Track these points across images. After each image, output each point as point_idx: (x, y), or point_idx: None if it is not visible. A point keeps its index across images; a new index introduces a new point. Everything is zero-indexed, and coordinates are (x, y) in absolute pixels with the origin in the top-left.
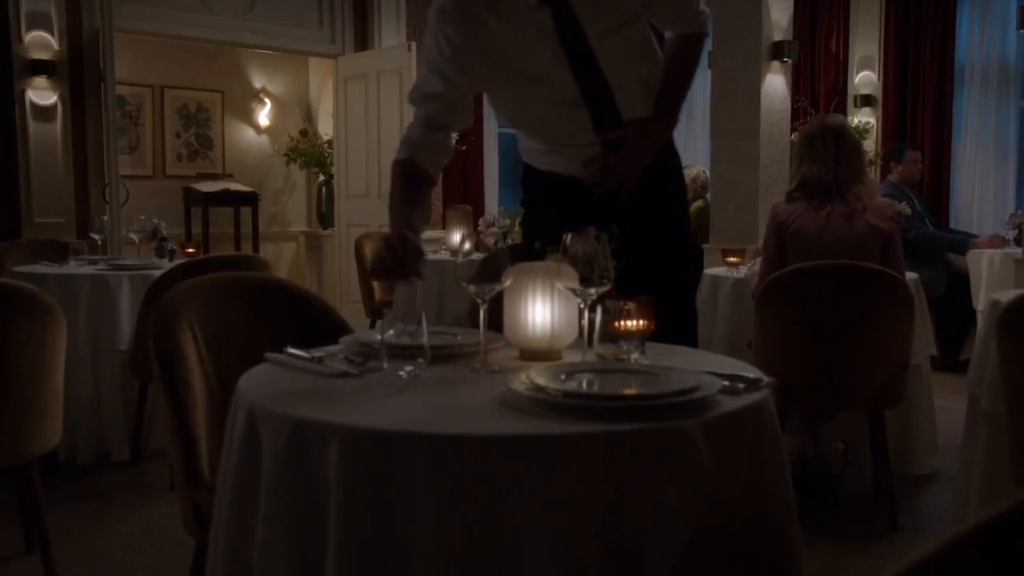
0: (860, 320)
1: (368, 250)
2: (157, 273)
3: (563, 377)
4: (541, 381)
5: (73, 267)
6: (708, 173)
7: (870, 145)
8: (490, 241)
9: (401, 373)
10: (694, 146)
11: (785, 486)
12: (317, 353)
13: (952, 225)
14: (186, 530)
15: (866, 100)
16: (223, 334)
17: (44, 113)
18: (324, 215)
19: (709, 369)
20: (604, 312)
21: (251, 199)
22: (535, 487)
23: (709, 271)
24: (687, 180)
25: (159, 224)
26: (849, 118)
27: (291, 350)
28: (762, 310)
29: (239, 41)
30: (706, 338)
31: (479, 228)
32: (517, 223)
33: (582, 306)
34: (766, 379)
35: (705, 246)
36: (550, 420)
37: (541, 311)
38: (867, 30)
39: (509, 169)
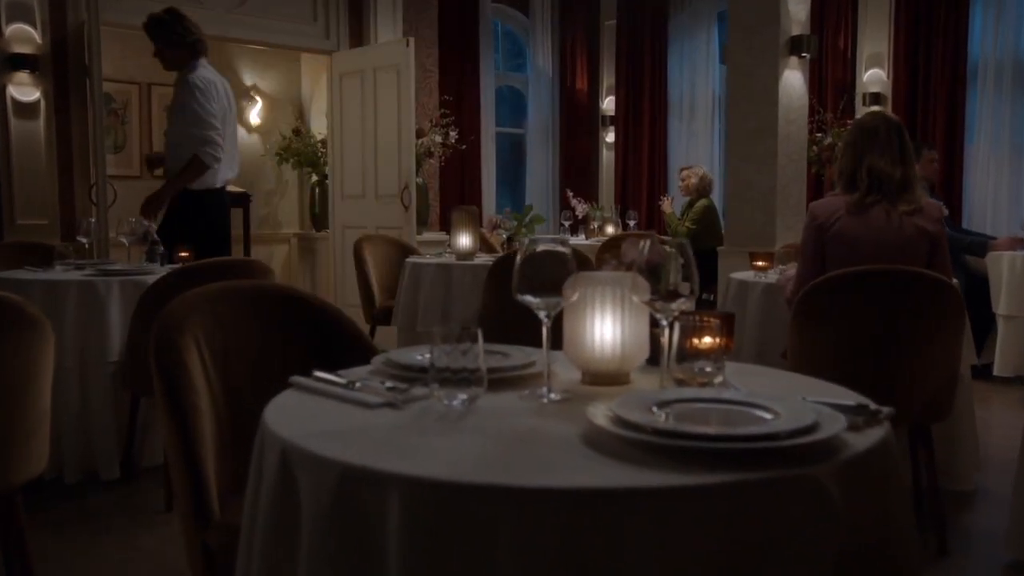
0: (909, 328)
1: (368, 252)
2: (149, 279)
3: (654, 410)
4: (630, 416)
5: (59, 272)
6: (710, 173)
7: None
8: (496, 243)
9: (453, 403)
10: (696, 146)
11: (912, 532)
12: (349, 377)
13: (965, 226)
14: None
15: (875, 98)
16: (232, 350)
17: (27, 110)
18: (317, 216)
19: (803, 394)
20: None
21: (242, 200)
22: (642, 549)
23: (736, 276)
24: (695, 180)
25: (150, 226)
26: (858, 117)
27: (319, 374)
28: (801, 317)
29: (230, 36)
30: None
31: (483, 229)
32: (524, 224)
33: (663, 323)
34: (884, 409)
35: (721, 248)
36: (651, 467)
37: (611, 328)
38: (876, 26)
39: (507, 169)
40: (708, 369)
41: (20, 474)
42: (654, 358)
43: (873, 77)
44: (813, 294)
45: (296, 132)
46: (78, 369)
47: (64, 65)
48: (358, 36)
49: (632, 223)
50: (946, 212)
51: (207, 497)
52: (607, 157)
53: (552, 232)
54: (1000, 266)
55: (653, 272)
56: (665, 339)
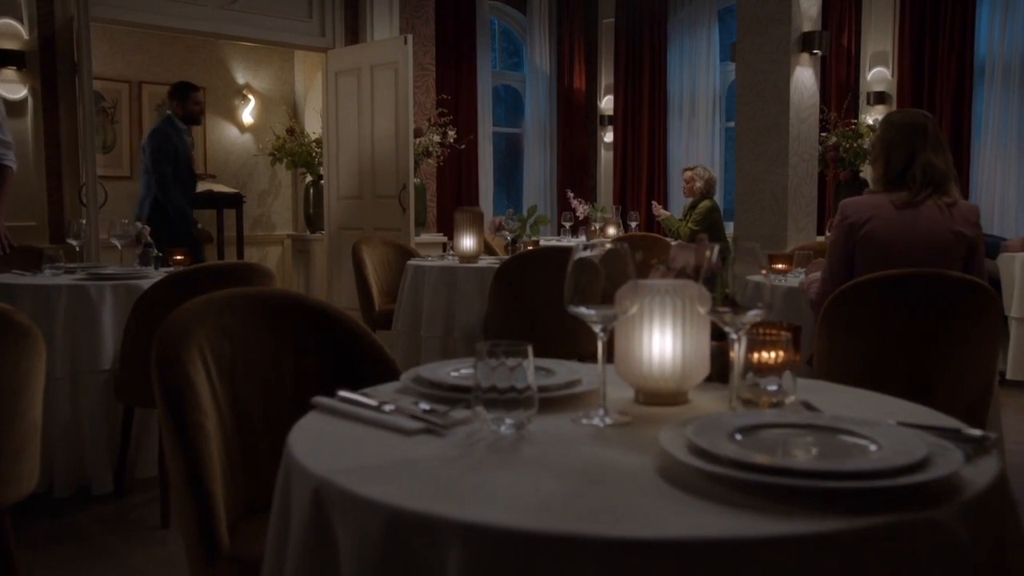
0: (946, 334)
1: (367, 255)
2: (144, 283)
3: (737, 438)
4: (714, 447)
5: (48, 276)
6: (714, 173)
7: None
8: (498, 246)
9: (501, 428)
10: (696, 145)
11: None
12: (377, 397)
13: None
14: None
15: (880, 98)
16: (240, 364)
17: (13, 108)
18: (312, 217)
19: (882, 413)
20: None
21: (235, 201)
22: None
23: (752, 279)
24: (700, 182)
25: (144, 228)
26: (862, 116)
27: (344, 394)
28: (829, 323)
29: (223, 33)
30: None
31: (484, 231)
32: (529, 224)
33: (733, 337)
34: (989, 435)
35: None
36: (748, 509)
37: (671, 342)
38: (881, 25)
39: (502, 169)
40: (776, 387)
41: (9, 494)
42: (712, 375)
43: (877, 76)
44: (844, 298)
45: (290, 132)
46: (69, 378)
47: (52, 62)
48: (354, 33)
49: (634, 224)
50: None
51: (215, 526)
52: (605, 157)
53: (553, 233)
54: (1012, 268)
55: (708, 280)
56: (733, 354)
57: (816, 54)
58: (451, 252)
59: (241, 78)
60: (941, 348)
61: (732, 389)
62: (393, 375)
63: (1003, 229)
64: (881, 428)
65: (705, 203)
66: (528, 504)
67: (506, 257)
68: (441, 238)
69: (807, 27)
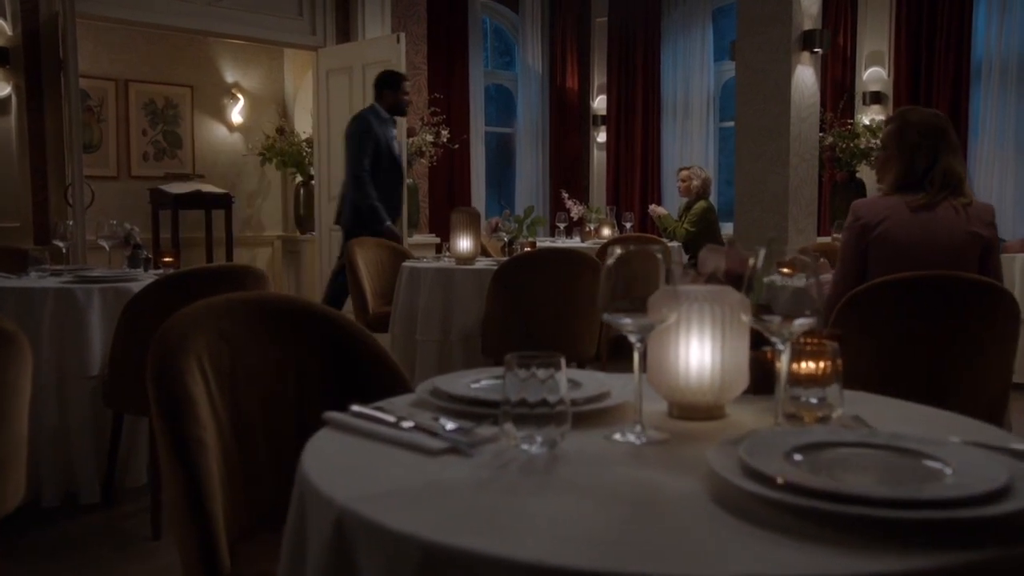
0: (963, 338)
1: (360, 256)
2: (133, 286)
3: (797, 459)
4: (768, 468)
5: (34, 279)
6: (709, 174)
7: None
8: (493, 248)
9: (531, 448)
10: (690, 145)
11: None
12: (393, 411)
13: None
14: None
15: (876, 98)
16: (240, 372)
17: None
18: (302, 218)
19: (936, 429)
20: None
21: (224, 201)
22: None
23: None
24: (697, 182)
25: (132, 229)
26: (858, 117)
27: (357, 408)
28: (842, 325)
29: (212, 30)
30: None
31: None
32: (526, 225)
33: (779, 347)
34: None
35: None
36: (822, 543)
37: (709, 353)
38: (876, 24)
39: (494, 169)
40: (817, 400)
41: None
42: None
43: (873, 76)
44: (858, 300)
45: (280, 131)
46: (55, 385)
47: (37, 59)
48: (345, 32)
49: (628, 225)
50: None
51: (216, 548)
52: (598, 157)
53: (547, 234)
54: (1012, 269)
55: (737, 285)
56: (780, 365)
57: (817, 52)
58: (447, 254)
59: (230, 77)
60: (958, 351)
61: (778, 403)
62: (399, 383)
63: (1000, 230)
64: (949, 448)
65: (701, 204)
66: (576, 537)
67: (504, 258)
68: (434, 239)
69: (808, 25)
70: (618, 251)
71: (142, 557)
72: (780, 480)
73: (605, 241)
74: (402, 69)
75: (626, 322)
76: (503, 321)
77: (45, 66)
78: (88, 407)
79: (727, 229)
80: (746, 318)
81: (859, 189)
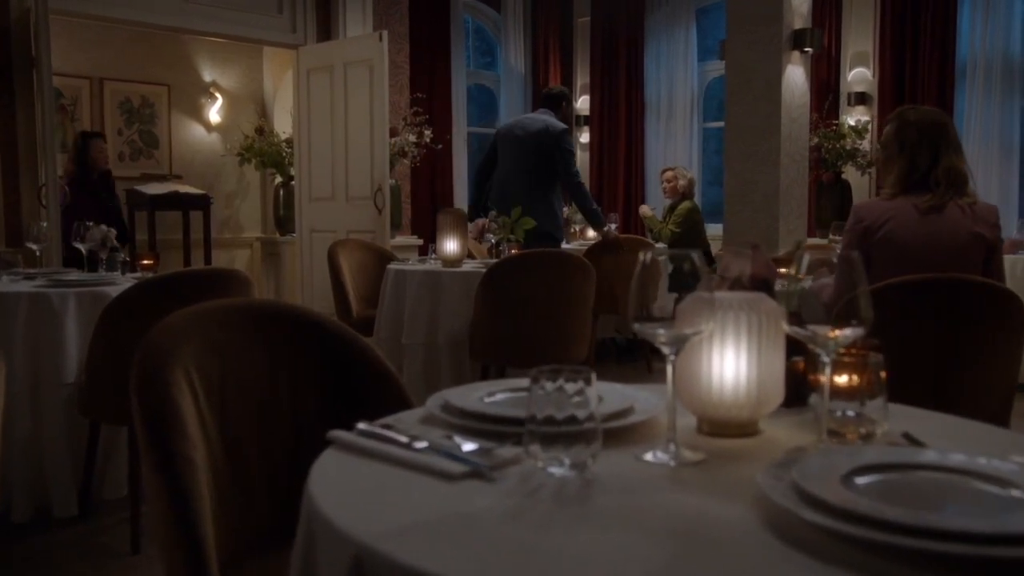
0: (969, 342)
1: (343, 259)
2: (111, 290)
3: (859, 484)
4: (830, 496)
5: (6, 283)
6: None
7: (867, 147)
8: (479, 252)
9: (559, 470)
10: (674, 146)
11: None
12: (403, 430)
13: None
14: None
15: (860, 98)
16: (230, 383)
17: None
18: (282, 219)
19: (985, 445)
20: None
21: (202, 202)
22: None
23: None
24: (683, 182)
25: (109, 231)
26: (843, 117)
27: (364, 427)
28: None
29: (189, 28)
30: None
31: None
32: (513, 225)
33: (825, 359)
34: None
35: (719, 253)
36: None
37: (745, 365)
38: (861, 24)
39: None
40: (855, 415)
41: None
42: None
43: (858, 76)
44: None
45: (259, 131)
46: (29, 392)
47: (8, 56)
48: (326, 30)
49: (613, 226)
50: None
51: (206, 574)
52: (581, 158)
53: None
54: (1015, 271)
55: (768, 291)
56: (823, 379)
57: (807, 52)
58: (433, 255)
59: (208, 75)
60: (963, 354)
61: (822, 420)
62: (397, 393)
63: None
64: (1021, 470)
65: (685, 204)
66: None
67: (491, 260)
68: (416, 241)
69: (798, 24)
70: (649, 256)
71: (120, 572)
72: (848, 510)
73: (591, 243)
74: (384, 68)
75: (660, 332)
76: (492, 324)
77: (16, 63)
78: (63, 416)
79: (712, 229)
80: (786, 327)
81: (845, 190)
